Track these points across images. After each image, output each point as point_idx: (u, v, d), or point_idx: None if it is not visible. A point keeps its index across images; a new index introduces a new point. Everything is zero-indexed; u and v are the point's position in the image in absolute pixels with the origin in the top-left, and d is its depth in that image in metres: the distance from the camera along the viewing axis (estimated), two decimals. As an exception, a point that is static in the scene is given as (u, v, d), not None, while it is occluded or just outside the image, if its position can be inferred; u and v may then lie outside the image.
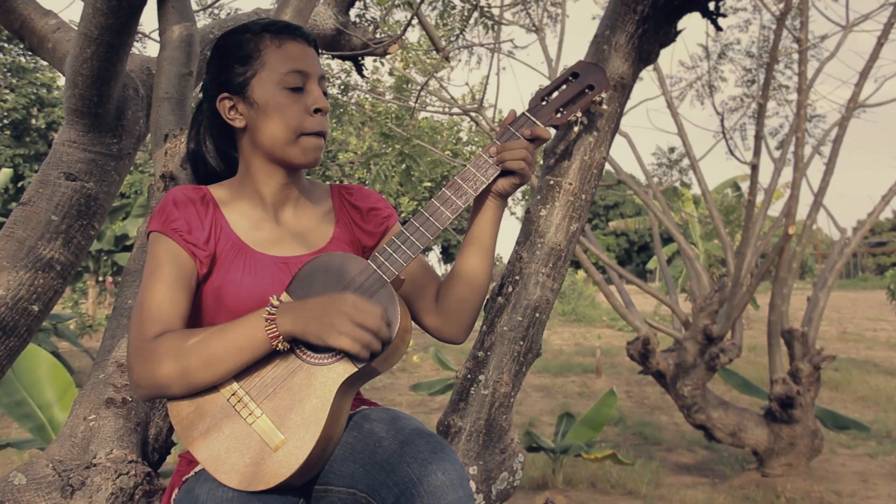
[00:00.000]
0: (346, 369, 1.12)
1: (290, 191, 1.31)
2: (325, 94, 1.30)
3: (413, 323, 1.30)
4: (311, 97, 1.25)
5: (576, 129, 1.49)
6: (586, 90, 1.34)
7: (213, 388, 1.15)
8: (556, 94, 1.34)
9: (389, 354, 1.14)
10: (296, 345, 1.15)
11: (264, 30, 1.27)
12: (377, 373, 1.19)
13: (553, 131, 1.35)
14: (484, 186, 1.28)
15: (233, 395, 1.14)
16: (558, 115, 1.33)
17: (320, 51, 2.79)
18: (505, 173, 1.30)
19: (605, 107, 1.39)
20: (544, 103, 1.33)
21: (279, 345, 1.11)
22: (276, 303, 1.13)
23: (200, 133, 1.35)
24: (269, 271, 1.23)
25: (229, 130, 1.32)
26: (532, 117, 1.32)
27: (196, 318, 1.24)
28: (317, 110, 1.25)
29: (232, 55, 1.27)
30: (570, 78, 1.35)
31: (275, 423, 1.12)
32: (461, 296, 1.33)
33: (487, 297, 1.70)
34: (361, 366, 1.12)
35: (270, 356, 1.15)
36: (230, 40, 1.28)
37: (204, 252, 1.21)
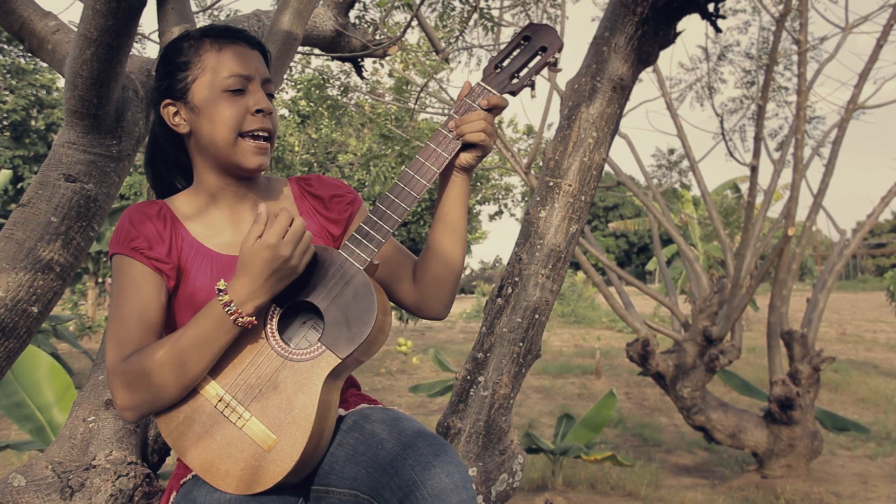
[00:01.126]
0: (328, 362, 1.13)
1: (245, 192, 1.30)
2: (271, 96, 1.29)
3: (404, 315, 1.30)
4: (252, 98, 1.24)
5: (533, 93, 1.47)
6: (539, 52, 1.31)
7: (199, 396, 1.15)
8: (508, 60, 1.31)
9: (370, 343, 1.15)
10: (273, 336, 1.16)
11: (204, 35, 1.27)
12: (360, 362, 1.19)
13: (510, 98, 1.34)
14: (447, 162, 1.26)
15: (220, 400, 1.14)
16: (514, 80, 1.31)
17: (318, 51, 2.77)
18: (466, 147, 1.28)
19: (559, 67, 1.37)
20: (498, 71, 1.31)
21: (248, 324, 1.12)
22: (222, 286, 1.13)
23: (154, 146, 1.35)
24: None
25: (179, 138, 1.31)
26: (487, 86, 1.29)
27: (173, 330, 1.24)
28: (258, 111, 1.24)
29: (173, 62, 1.27)
30: (522, 42, 1.32)
31: (265, 423, 1.12)
32: (437, 273, 1.33)
33: (487, 298, 1.70)
34: (344, 356, 1.13)
35: (251, 358, 1.15)
36: (172, 47, 1.29)
37: (168, 265, 1.21)
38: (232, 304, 1.10)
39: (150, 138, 1.35)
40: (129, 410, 1.13)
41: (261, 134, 1.25)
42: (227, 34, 1.27)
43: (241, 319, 1.11)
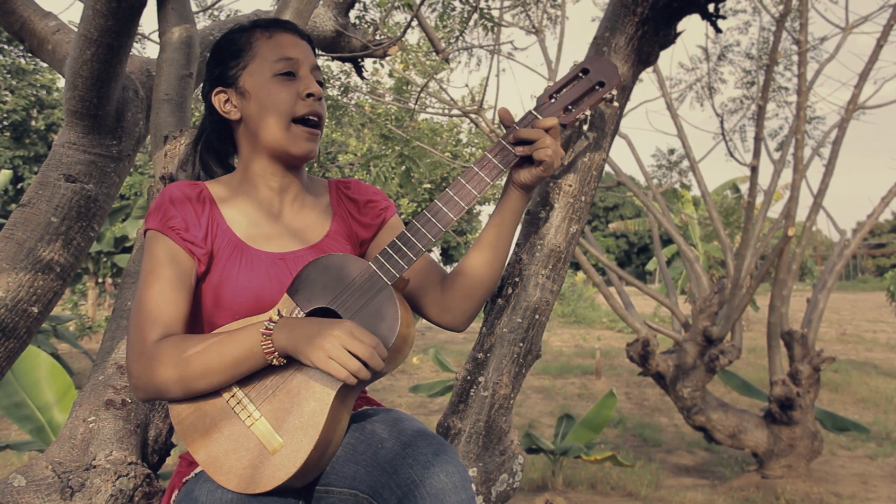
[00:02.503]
0: None
1: (289, 184, 1.31)
2: (321, 84, 1.30)
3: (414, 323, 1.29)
4: (302, 83, 1.26)
5: (585, 127, 1.44)
6: (596, 87, 1.28)
7: None
8: (564, 91, 1.29)
9: (391, 358, 1.14)
10: None
11: (255, 25, 1.29)
12: (379, 376, 1.18)
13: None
14: (487, 188, 1.24)
15: (232, 396, 1.14)
16: (567, 113, 1.28)
17: (318, 51, 2.77)
18: (523, 163, 1.27)
19: (615, 104, 1.33)
20: (552, 101, 1.28)
21: (274, 360, 1.10)
22: (275, 318, 1.12)
23: (201, 137, 1.37)
24: (265, 268, 1.23)
25: (228, 128, 1.32)
26: (539, 116, 1.27)
27: (195, 316, 1.24)
28: (309, 95, 1.25)
29: (225, 51, 1.29)
30: (580, 74, 1.29)
31: (273, 425, 1.12)
32: (471, 283, 1.33)
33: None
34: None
35: None
36: (223, 39, 1.31)
37: (202, 250, 1.21)
38: (270, 343, 1.09)
39: (198, 132, 1.37)
40: (138, 391, 1.14)
41: (311, 118, 1.26)
42: (277, 24, 1.29)
43: (267, 343, 1.09)
